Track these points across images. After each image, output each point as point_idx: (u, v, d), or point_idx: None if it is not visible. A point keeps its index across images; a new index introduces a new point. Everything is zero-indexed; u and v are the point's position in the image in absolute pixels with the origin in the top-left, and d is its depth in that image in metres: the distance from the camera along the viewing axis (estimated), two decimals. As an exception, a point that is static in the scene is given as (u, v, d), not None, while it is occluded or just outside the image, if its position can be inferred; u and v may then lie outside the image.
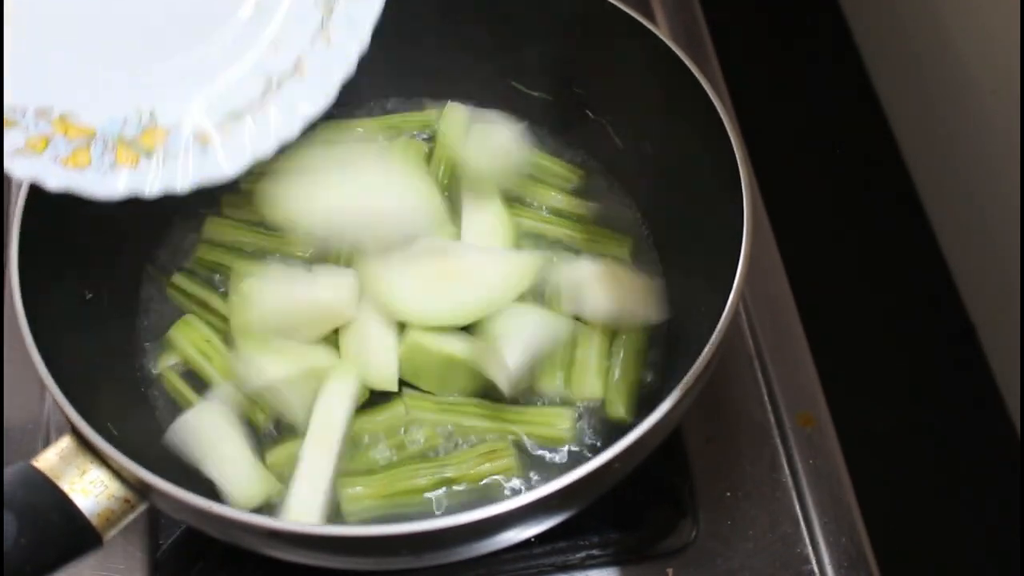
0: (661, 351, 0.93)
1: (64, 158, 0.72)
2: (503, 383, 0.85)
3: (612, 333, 0.92)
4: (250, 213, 1.00)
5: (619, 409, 0.88)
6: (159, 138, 0.73)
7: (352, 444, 0.87)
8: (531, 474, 0.87)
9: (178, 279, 0.96)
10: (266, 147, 0.76)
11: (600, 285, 0.91)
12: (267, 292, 0.86)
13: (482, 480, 0.85)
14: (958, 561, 0.98)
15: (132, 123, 0.73)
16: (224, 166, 0.75)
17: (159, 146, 0.73)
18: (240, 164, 0.75)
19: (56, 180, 0.71)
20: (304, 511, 0.80)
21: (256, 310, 0.86)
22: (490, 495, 0.85)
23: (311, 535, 0.70)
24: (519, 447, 0.87)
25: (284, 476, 0.86)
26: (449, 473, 0.85)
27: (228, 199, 1.01)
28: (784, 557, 0.90)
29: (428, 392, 0.90)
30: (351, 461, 0.87)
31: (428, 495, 0.85)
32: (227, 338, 0.93)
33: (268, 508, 0.84)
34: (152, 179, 0.73)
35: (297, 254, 0.98)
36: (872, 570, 0.89)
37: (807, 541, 0.90)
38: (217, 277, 0.97)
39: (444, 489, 0.85)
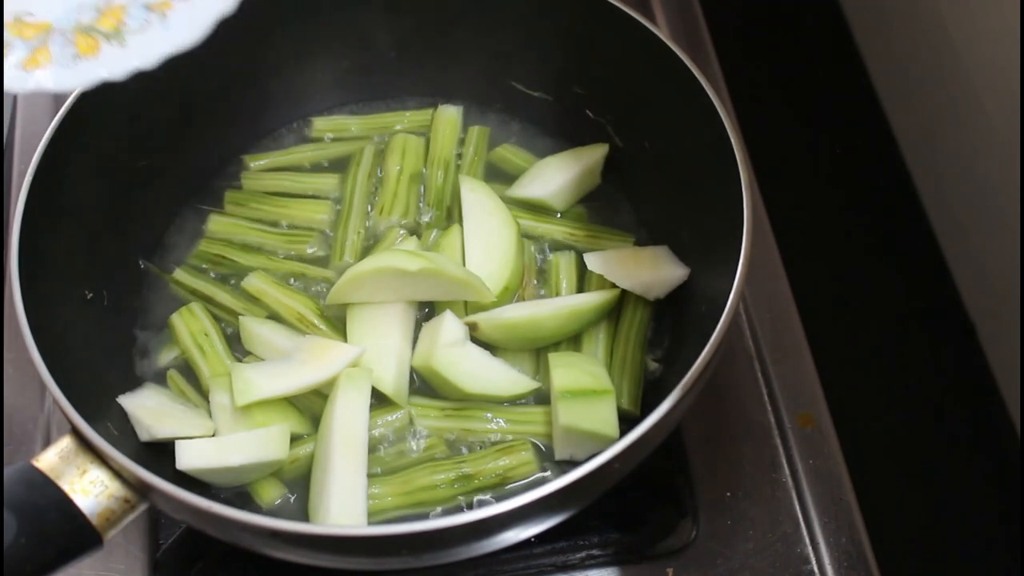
0: (662, 350, 0.93)
1: (26, 60, 0.70)
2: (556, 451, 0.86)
3: (614, 331, 0.93)
4: (253, 210, 1.00)
5: (623, 401, 0.89)
6: (117, 16, 0.71)
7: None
8: (547, 472, 0.87)
9: (180, 274, 0.96)
10: (229, 3, 0.73)
11: (621, 263, 0.93)
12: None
13: (500, 475, 0.85)
14: (958, 561, 0.98)
15: (87, 6, 0.71)
16: (187, 33, 0.71)
17: (118, 26, 0.71)
18: (203, 27, 0.72)
19: (21, 84, 0.70)
20: (346, 515, 0.80)
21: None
22: (509, 492, 0.85)
23: (311, 535, 0.70)
24: (533, 444, 0.88)
25: (295, 477, 0.86)
26: (467, 470, 0.85)
27: (232, 196, 1.01)
28: (784, 557, 0.90)
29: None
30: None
31: (448, 494, 0.85)
32: (227, 333, 0.93)
33: (300, 515, 0.84)
34: (118, 62, 0.71)
35: (298, 251, 0.98)
36: (872, 570, 0.89)
37: (807, 541, 0.90)
38: (219, 270, 0.98)
39: (463, 484, 0.85)
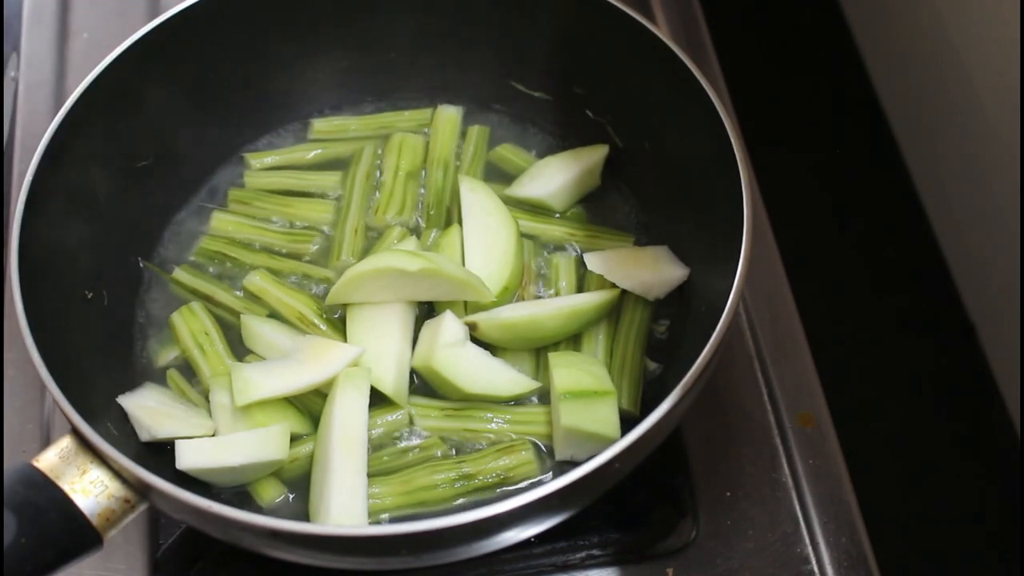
0: (662, 350, 0.93)
1: None
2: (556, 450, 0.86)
3: (614, 331, 0.93)
4: (257, 208, 1.00)
5: (623, 401, 0.89)
6: None
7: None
8: (548, 471, 0.87)
9: (180, 273, 0.96)
10: None
11: (621, 263, 0.93)
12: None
13: (501, 475, 0.85)
14: (958, 561, 0.98)
15: None
16: None
17: None
18: None
19: None
20: (347, 515, 0.80)
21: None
22: (510, 492, 0.85)
23: (311, 535, 0.70)
24: (533, 444, 0.88)
25: (295, 477, 0.86)
26: (467, 469, 0.85)
27: (235, 195, 1.01)
28: (784, 557, 0.90)
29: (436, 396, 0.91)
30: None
31: (448, 493, 0.84)
32: (227, 333, 0.93)
33: (301, 515, 0.84)
34: None
35: (300, 250, 0.98)
36: (872, 570, 0.89)
37: (807, 541, 0.90)
38: (220, 269, 0.98)
39: (463, 484, 0.84)
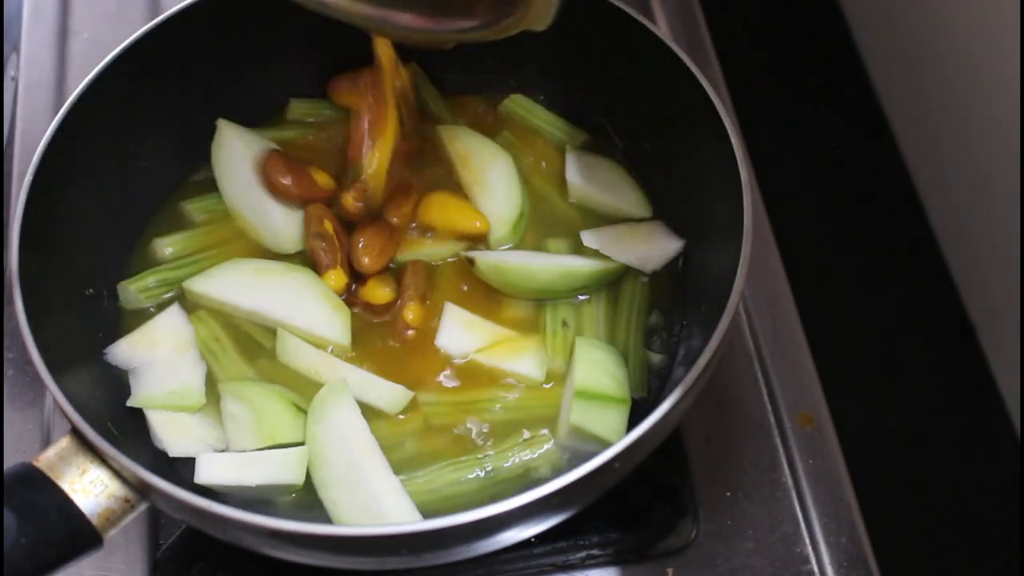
0: (662, 350, 0.93)
1: None
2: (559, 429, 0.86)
3: (613, 311, 0.93)
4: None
5: (632, 387, 0.88)
6: None
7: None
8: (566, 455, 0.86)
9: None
10: None
11: (616, 238, 0.94)
12: None
13: (524, 467, 0.84)
14: (958, 561, 0.98)
15: None
16: None
17: None
18: None
19: None
20: (403, 514, 0.80)
21: None
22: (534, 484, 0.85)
23: (311, 535, 0.70)
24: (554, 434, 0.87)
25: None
26: (491, 465, 0.84)
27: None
28: (784, 557, 0.90)
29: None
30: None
31: (472, 487, 0.84)
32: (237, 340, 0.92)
33: (303, 514, 0.84)
34: None
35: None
36: (872, 570, 0.89)
37: (807, 541, 0.90)
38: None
39: (488, 477, 0.84)
